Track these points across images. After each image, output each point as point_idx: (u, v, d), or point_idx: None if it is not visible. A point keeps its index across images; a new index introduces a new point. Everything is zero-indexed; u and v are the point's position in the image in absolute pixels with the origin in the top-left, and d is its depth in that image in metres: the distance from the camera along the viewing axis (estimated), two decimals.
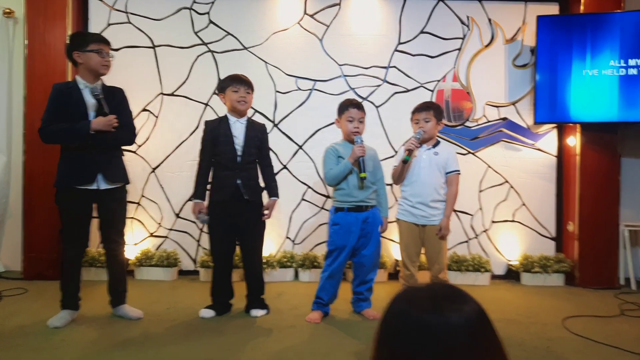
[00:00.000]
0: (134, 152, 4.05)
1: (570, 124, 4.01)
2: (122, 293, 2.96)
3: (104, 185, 2.79)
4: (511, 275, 4.12)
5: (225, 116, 3.07)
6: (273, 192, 3.11)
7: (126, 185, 2.94)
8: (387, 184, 3.21)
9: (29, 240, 3.82)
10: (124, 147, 3.00)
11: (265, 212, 3.06)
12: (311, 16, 4.14)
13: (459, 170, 3.04)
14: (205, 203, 3.03)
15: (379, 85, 4.17)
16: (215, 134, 3.00)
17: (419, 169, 3.00)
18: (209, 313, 2.97)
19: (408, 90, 4.17)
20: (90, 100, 2.78)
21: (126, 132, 2.90)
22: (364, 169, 2.87)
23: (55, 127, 2.70)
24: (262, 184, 3.13)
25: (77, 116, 2.73)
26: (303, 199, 4.16)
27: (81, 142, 2.71)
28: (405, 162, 2.93)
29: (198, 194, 3.03)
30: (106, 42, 2.84)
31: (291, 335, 2.70)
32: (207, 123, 3.09)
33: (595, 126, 3.92)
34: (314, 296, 3.05)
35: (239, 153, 2.98)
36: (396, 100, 4.17)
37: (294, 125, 4.15)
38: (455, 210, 3.99)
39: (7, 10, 3.97)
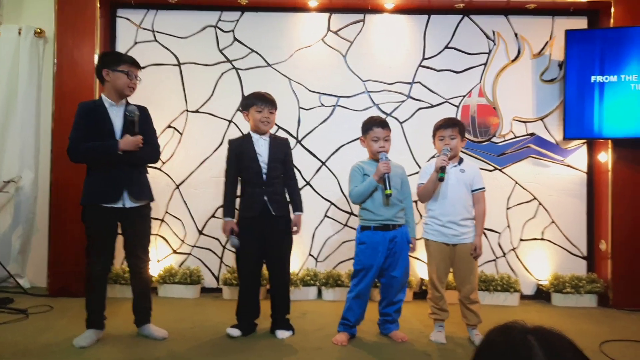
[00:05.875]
0: (159, 168, 4.07)
1: (602, 140, 3.91)
2: (147, 311, 2.94)
3: (129, 204, 2.79)
4: (541, 295, 3.99)
5: (249, 134, 3.07)
6: (297, 206, 3.10)
7: (150, 202, 2.95)
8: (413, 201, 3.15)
9: (55, 257, 3.83)
10: (148, 165, 3.01)
11: (294, 228, 3.05)
12: (335, 33, 4.14)
13: (484, 188, 3.01)
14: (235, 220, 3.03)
15: (403, 101, 4.13)
16: (239, 152, 3.01)
17: (446, 186, 2.93)
18: (235, 332, 2.93)
19: (433, 106, 4.12)
20: (116, 118, 2.79)
21: (151, 151, 2.91)
22: (390, 186, 2.82)
23: (84, 147, 2.71)
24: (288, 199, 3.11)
25: (104, 134, 2.74)
26: (326, 216, 4.12)
27: (108, 160, 2.72)
28: (441, 179, 2.86)
29: (227, 212, 3.02)
30: (137, 66, 2.86)
31: (318, 358, 2.64)
32: (230, 142, 3.09)
33: (627, 142, 3.81)
34: (339, 316, 2.98)
35: (264, 170, 2.97)
36: (420, 116, 4.11)
37: (317, 142, 4.12)
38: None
39: (38, 30, 4.06)
